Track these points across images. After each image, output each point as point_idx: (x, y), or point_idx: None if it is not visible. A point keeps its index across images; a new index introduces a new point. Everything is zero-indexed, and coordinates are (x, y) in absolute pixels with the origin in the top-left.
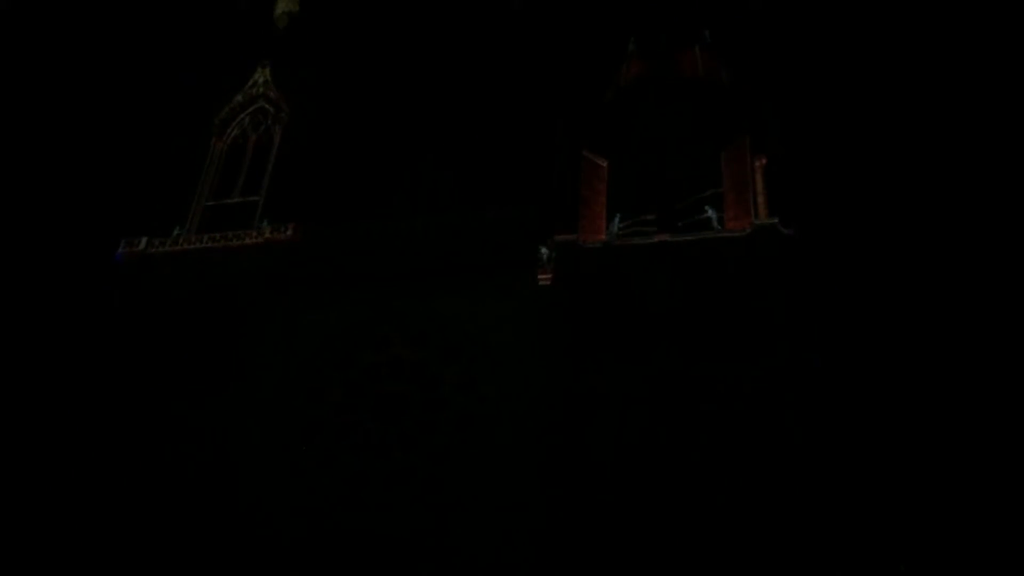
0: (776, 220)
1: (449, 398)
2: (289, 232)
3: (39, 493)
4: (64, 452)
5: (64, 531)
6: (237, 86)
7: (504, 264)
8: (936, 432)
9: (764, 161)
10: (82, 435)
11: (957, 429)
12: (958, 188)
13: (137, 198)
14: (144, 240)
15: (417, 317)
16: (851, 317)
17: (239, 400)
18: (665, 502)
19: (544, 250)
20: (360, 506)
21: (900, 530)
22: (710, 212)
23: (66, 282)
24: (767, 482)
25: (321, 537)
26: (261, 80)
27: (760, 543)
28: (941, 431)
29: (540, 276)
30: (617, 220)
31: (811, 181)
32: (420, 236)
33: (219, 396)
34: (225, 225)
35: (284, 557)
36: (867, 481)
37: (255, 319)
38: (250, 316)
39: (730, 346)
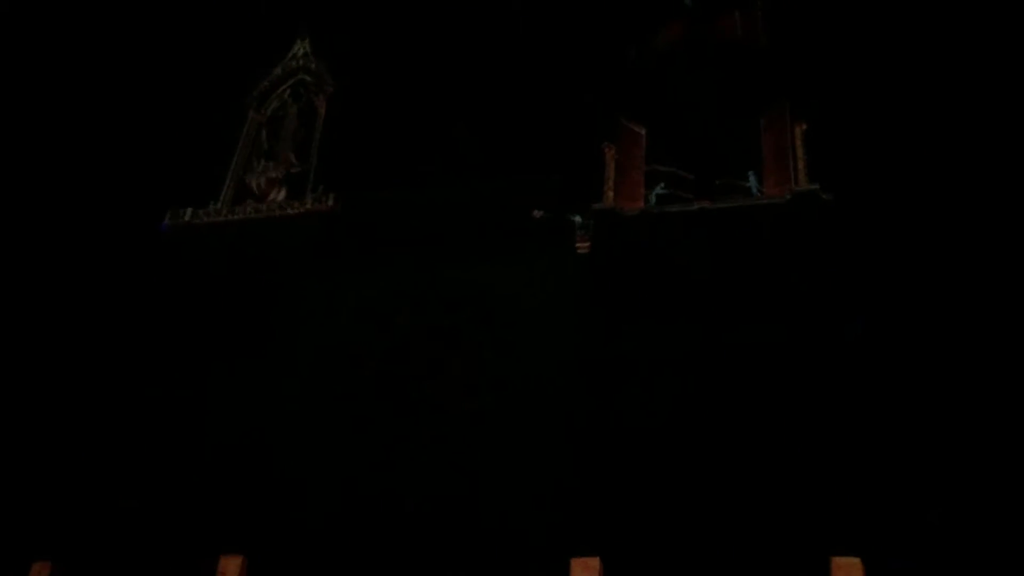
0: (817, 186)
1: (486, 363)
2: (330, 202)
3: (80, 458)
4: (109, 418)
5: (102, 496)
6: (276, 59)
7: (540, 230)
8: (979, 401)
9: (804, 127)
10: (128, 402)
11: (999, 397)
12: (1005, 153)
13: (181, 171)
14: (189, 211)
15: (453, 283)
16: (893, 285)
17: (279, 365)
18: (698, 469)
19: (578, 218)
20: (397, 469)
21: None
22: (751, 178)
23: (112, 252)
24: (804, 451)
25: (357, 501)
26: (301, 52)
27: (795, 512)
28: (983, 400)
29: (579, 244)
30: (658, 188)
31: (853, 147)
32: (457, 203)
33: (260, 361)
34: (268, 195)
35: (321, 520)
36: (906, 448)
37: (296, 286)
38: (291, 283)
39: (768, 314)
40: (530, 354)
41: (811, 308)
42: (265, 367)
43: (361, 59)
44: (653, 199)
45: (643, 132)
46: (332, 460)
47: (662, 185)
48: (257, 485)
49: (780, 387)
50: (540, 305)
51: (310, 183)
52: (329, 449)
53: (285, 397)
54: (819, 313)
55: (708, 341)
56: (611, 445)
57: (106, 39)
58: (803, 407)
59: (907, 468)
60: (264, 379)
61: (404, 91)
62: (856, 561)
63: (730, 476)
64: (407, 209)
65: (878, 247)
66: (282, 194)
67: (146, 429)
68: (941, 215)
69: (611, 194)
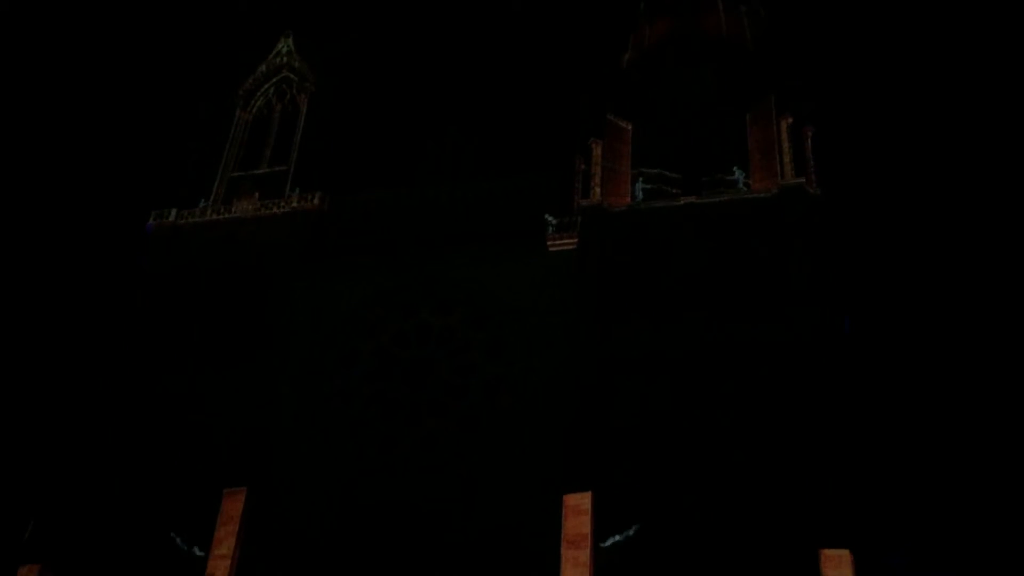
0: (803, 180)
1: (477, 363)
2: (316, 201)
3: (77, 461)
4: (99, 419)
5: (99, 493)
6: (260, 57)
7: (529, 230)
8: (965, 393)
9: (790, 121)
10: (116, 403)
11: (985, 389)
12: (991, 149)
13: (165, 171)
14: (173, 212)
15: (444, 284)
16: (881, 278)
17: (269, 368)
18: (692, 464)
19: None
20: (390, 470)
21: (927, 492)
22: (737, 173)
23: (98, 254)
24: (795, 444)
25: (351, 501)
26: (284, 50)
27: (790, 504)
28: (970, 392)
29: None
30: (641, 183)
31: (838, 141)
32: (445, 204)
33: (250, 364)
34: (252, 195)
35: (315, 520)
36: (896, 441)
37: (284, 288)
38: (279, 285)
39: (757, 308)
40: (522, 352)
41: (800, 302)
42: (254, 367)
43: (346, 57)
44: (640, 194)
45: (629, 128)
46: (323, 459)
47: (642, 180)
48: (247, 482)
49: (770, 382)
50: (531, 303)
51: (293, 183)
52: (320, 448)
53: (275, 396)
54: (809, 307)
55: (697, 335)
56: (604, 442)
57: (89, 41)
58: (793, 401)
59: (896, 463)
60: (253, 379)
61: (389, 89)
62: (845, 553)
63: (721, 471)
64: (395, 208)
65: (866, 240)
66: (267, 194)
67: (134, 429)
68: (930, 207)
69: (598, 190)
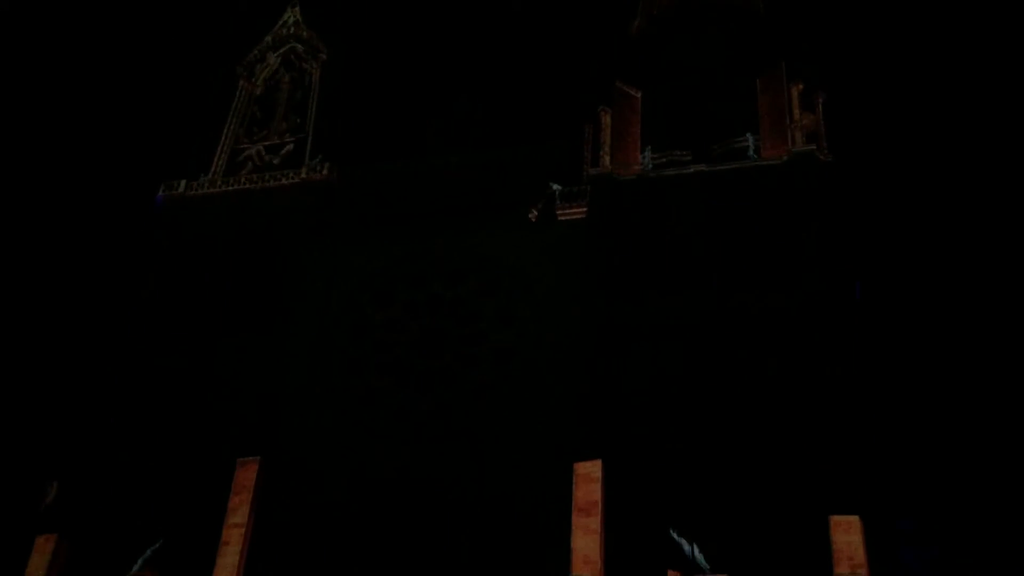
0: (813, 147)
1: (487, 332)
2: (325, 172)
3: (92, 433)
4: (112, 391)
5: (114, 464)
6: (266, 27)
7: (539, 199)
8: (977, 359)
9: (801, 88)
10: (128, 375)
11: (998, 355)
12: (1004, 114)
13: (175, 142)
14: (183, 183)
15: (454, 254)
16: (892, 244)
17: (281, 338)
18: (702, 431)
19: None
20: (401, 440)
21: (938, 458)
22: (749, 140)
23: (109, 226)
24: (805, 411)
25: (364, 470)
26: (291, 20)
27: (800, 470)
28: (982, 358)
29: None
30: (650, 151)
31: (851, 108)
32: (455, 174)
33: (262, 334)
34: (262, 166)
35: (328, 489)
36: (907, 408)
37: (295, 258)
38: (289, 256)
39: (768, 275)
40: (532, 321)
41: (811, 269)
42: (266, 337)
43: (355, 27)
44: (649, 163)
45: (639, 95)
46: (336, 428)
47: (650, 148)
48: (260, 452)
49: (780, 349)
50: (541, 272)
51: (306, 153)
52: (332, 417)
53: (287, 367)
54: (819, 274)
55: (708, 303)
56: (615, 410)
57: (98, 13)
58: (803, 368)
59: (907, 430)
60: (265, 349)
61: (397, 60)
62: (855, 519)
63: (731, 439)
64: (404, 179)
65: (878, 206)
66: (276, 164)
67: (147, 401)
68: (942, 173)
69: (607, 159)
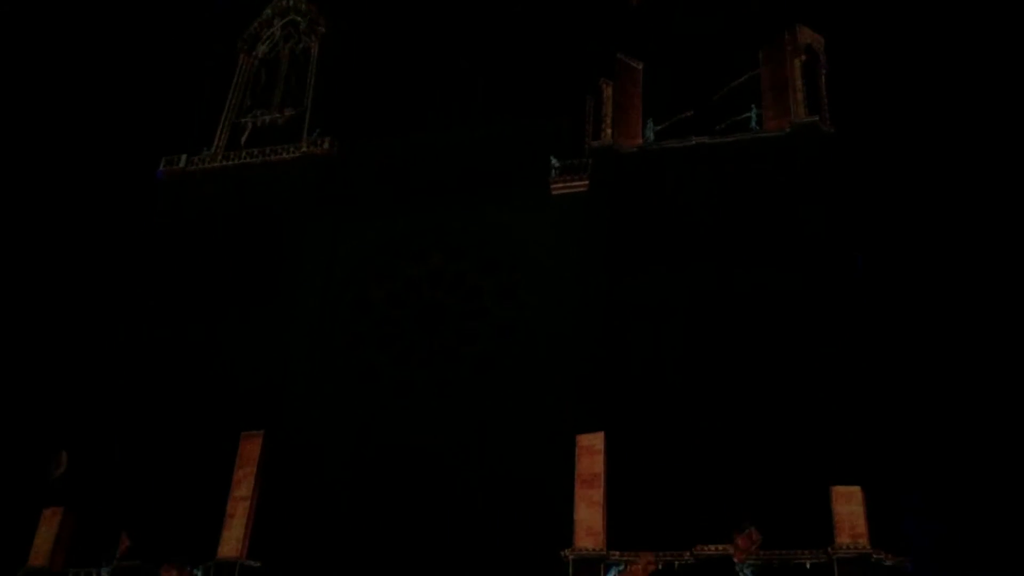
0: (816, 118)
1: (489, 308)
2: (326, 146)
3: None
4: (115, 366)
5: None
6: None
7: (540, 173)
8: (979, 330)
9: (804, 59)
10: (131, 350)
11: (999, 327)
12: (1009, 87)
13: (177, 117)
14: (184, 157)
15: (455, 229)
16: (895, 215)
17: (283, 313)
18: (703, 403)
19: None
20: (404, 413)
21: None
22: (752, 112)
23: (110, 201)
24: (807, 382)
25: (366, 444)
26: None
27: (801, 441)
28: (984, 329)
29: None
30: (652, 124)
31: (853, 78)
32: (456, 148)
33: (264, 309)
34: (262, 140)
35: (331, 463)
36: (908, 380)
37: (296, 233)
38: (291, 230)
39: (769, 249)
40: (534, 296)
41: (813, 241)
42: (268, 312)
43: (355, 0)
44: (651, 135)
45: (640, 67)
46: (338, 403)
47: (652, 120)
48: (264, 426)
49: (782, 320)
50: (542, 247)
51: (305, 128)
52: (335, 392)
53: (289, 342)
54: (821, 246)
55: (709, 275)
56: (616, 382)
57: None
58: (805, 340)
59: (909, 401)
60: (268, 324)
61: (398, 33)
62: (856, 490)
63: (733, 410)
64: (405, 153)
65: (880, 177)
66: (277, 139)
67: (151, 376)
68: (945, 144)
69: (609, 131)
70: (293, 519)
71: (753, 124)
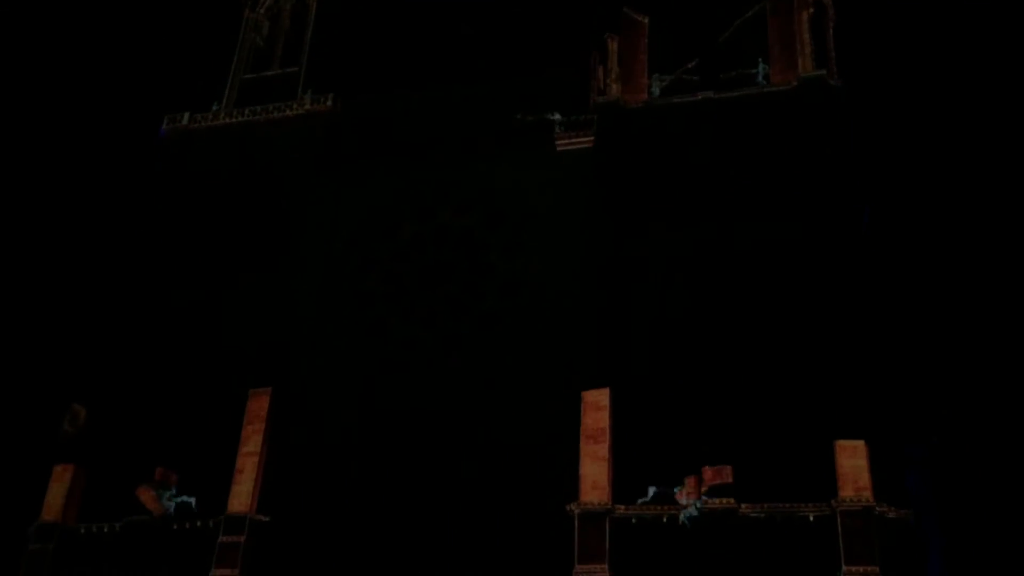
0: (823, 72)
1: (495, 264)
2: (329, 103)
3: (104, 367)
4: (121, 326)
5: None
6: None
7: (545, 129)
8: (985, 284)
9: (811, 11)
10: (136, 310)
11: (1005, 280)
12: (1013, 41)
13: (179, 74)
14: (186, 115)
15: (460, 185)
16: (902, 168)
17: (288, 271)
18: (708, 358)
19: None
20: (410, 369)
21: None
22: (759, 66)
23: (113, 159)
24: (811, 337)
25: (373, 401)
26: None
27: (805, 395)
28: (989, 283)
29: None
30: (657, 79)
31: (861, 31)
32: (460, 104)
33: (268, 267)
34: (265, 98)
35: (338, 420)
36: (915, 333)
37: (300, 190)
38: (295, 187)
39: (775, 204)
40: (540, 252)
41: (820, 194)
42: (273, 270)
43: None
44: (657, 91)
45: (646, 21)
46: (344, 360)
47: (657, 75)
48: (271, 383)
49: (788, 274)
50: (548, 203)
51: (300, 85)
52: (341, 350)
53: (295, 299)
54: (828, 199)
55: (715, 230)
56: (622, 339)
57: None
58: (810, 294)
59: (915, 355)
60: (273, 282)
61: None
62: (860, 444)
63: (737, 365)
64: (409, 109)
65: (888, 130)
66: (279, 95)
67: (157, 336)
68: (953, 95)
69: (615, 87)
70: (301, 474)
71: (760, 79)
